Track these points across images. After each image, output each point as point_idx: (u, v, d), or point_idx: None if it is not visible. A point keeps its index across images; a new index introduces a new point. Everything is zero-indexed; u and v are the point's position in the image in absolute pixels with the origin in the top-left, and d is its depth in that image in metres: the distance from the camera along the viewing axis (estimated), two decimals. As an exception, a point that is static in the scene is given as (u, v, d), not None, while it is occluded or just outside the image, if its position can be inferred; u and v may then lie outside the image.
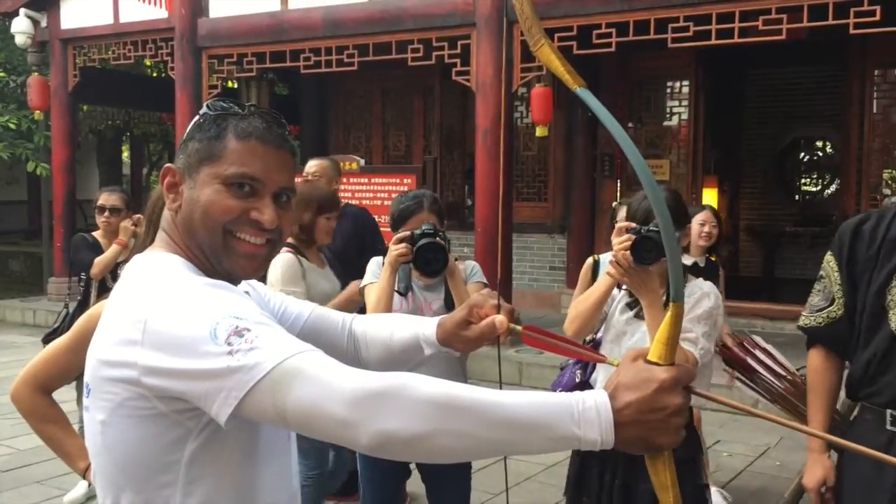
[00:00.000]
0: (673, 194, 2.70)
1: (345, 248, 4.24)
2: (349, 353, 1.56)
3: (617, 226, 2.56)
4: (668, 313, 1.14)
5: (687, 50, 7.46)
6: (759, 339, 3.25)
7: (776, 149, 12.25)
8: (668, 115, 9.46)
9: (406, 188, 7.18)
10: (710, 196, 10.01)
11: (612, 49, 6.85)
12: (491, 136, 7.26)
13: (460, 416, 1.05)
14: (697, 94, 9.09)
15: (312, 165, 4.64)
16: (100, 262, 4.44)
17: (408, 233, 2.80)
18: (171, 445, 1.20)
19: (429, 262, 2.75)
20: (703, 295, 2.55)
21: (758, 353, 3.14)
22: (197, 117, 1.33)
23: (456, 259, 2.92)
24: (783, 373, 3.09)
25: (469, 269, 3.04)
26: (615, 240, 2.47)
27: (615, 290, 2.64)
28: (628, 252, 2.39)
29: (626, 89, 9.40)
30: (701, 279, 2.68)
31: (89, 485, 3.33)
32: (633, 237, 2.39)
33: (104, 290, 4.33)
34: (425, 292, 3.01)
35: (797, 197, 12.73)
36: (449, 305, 2.91)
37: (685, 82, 9.20)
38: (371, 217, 4.91)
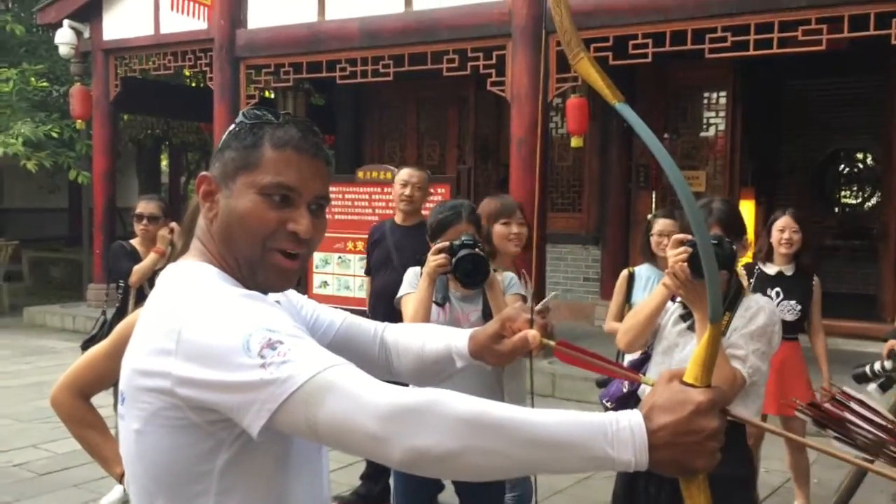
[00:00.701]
0: (727, 205, 2.59)
1: (417, 262, 4.14)
2: (380, 362, 1.56)
3: (673, 237, 2.49)
4: (706, 334, 1.11)
5: (724, 60, 7.38)
6: (850, 389, 2.96)
7: (815, 160, 12.05)
8: (704, 126, 9.36)
9: (440, 198, 7.19)
10: (746, 208, 9.87)
11: (649, 59, 6.80)
12: (526, 147, 7.24)
13: (492, 433, 1.04)
14: (734, 105, 8.98)
15: (414, 175, 4.39)
16: (138, 270, 4.50)
17: (447, 243, 2.79)
18: (204, 455, 1.20)
19: (469, 273, 2.73)
20: (758, 310, 2.47)
21: (853, 405, 2.86)
22: (233, 126, 1.34)
23: (494, 270, 2.90)
24: (884, 422, 2.81)
25: (507, 280, 3.03)
26: (671, 252, 2.40)
27: (668, 302, 2.58)
28: (686, 264, 2.33)
29: (662, 100, 9.32)
30: (759, 295, 2.59)
31: (125, 489, 3.37)
32: (690, 249, 2.32)
33: (142, 298, 4.38)
34: (462, 303, 3.00)
35: (837, 209, 12.52)
36: (487, 317, 2.89)
37: (722, 93, 9.10)
38: None
